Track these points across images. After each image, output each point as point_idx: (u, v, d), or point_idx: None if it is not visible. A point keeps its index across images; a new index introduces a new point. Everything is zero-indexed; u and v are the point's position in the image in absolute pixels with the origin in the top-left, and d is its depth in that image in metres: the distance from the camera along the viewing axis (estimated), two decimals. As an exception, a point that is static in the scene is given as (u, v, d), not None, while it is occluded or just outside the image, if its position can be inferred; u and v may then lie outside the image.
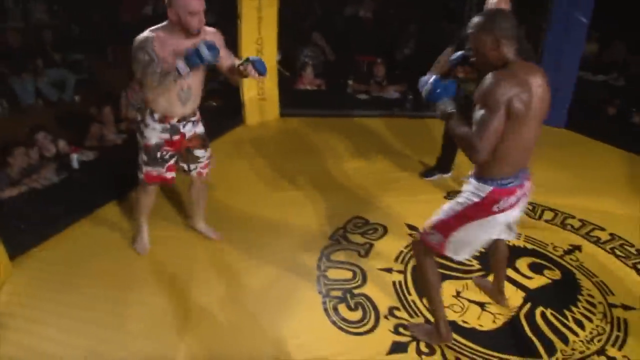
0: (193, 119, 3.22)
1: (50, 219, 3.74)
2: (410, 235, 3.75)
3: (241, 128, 5.57)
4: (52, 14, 6.96)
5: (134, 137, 3.28)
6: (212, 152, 3.45)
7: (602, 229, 3.96)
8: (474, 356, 2.78)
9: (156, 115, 3.10)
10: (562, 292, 3.28)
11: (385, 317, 3.01)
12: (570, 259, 3.60)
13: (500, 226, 2.52)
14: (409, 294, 3.19)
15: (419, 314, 3.03)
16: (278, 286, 3.23)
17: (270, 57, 5.52)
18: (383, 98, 6.52)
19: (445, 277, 3.30)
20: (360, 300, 3.12)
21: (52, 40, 6.40)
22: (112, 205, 4.03)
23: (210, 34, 3.03)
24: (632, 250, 3.74)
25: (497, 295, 3.16)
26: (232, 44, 5.30)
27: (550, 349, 2.84)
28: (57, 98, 5.78)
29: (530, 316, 3.05)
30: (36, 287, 3.14)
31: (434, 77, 2.43)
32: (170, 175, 3.30)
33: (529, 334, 2.94)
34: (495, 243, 2.91)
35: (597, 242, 3.82)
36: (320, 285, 3.25)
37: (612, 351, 2.84)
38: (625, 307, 3.15)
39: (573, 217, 4.11)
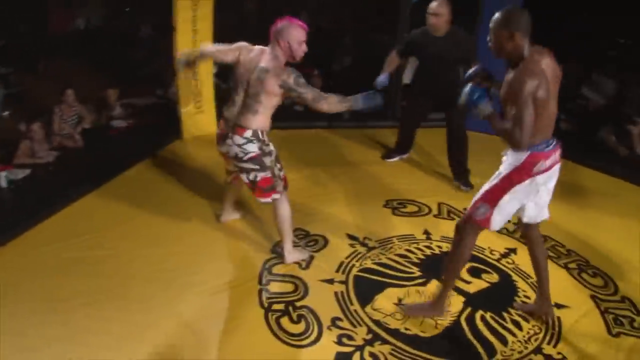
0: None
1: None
2: (351, 245, 3.75)
3: (178, 143, 5.47)
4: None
5: (66, 154, 3.20)
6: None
7: (535, 232, 4.07)
8: (417, 362, 2.79)
9: (261, 133, 3.35)
10: (500, 295, 3.35)
11: (328, 328, 2.98)
12: (507, 262, 3.69)
13: (541, 193, 2.77)
14: (351, 303, 3.18)
15: (362, 324, 3.02)
16: (220, 302, 3.16)
17: (207, 71, 5.46)
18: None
19: (386, 285, 3.33)
20: (303, 313, 3.09)
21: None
22: (41, 227, 3.85)
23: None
24: (563, 250, 3.87)
25: (546, 302, 3.10)
26: (168, 56, 5.25)
27: (491, 351, 2.88)
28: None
29: (470, 320, 3.10)
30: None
31: (470, 85, 2.75)
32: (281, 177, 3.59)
33: (470, 337, 2.97)
34: (531, 242, 3.06)
35: (530, 244, 3.92)
36: (263, 299, 3.20)
37: (547, 349, 2.91)
38: (559, 306, 3.25)
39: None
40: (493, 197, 2.77)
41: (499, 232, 3.96)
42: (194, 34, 5.22)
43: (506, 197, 2.74)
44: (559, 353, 2.89)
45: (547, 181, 2.77)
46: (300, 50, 3.16)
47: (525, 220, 2.92)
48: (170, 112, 5.57)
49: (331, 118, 6.21)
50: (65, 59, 6.73)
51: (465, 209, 4.25)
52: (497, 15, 2.65)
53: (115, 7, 7.89)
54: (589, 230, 4.17)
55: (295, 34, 3.14)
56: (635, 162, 5.51)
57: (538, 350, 2.91)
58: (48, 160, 4.80)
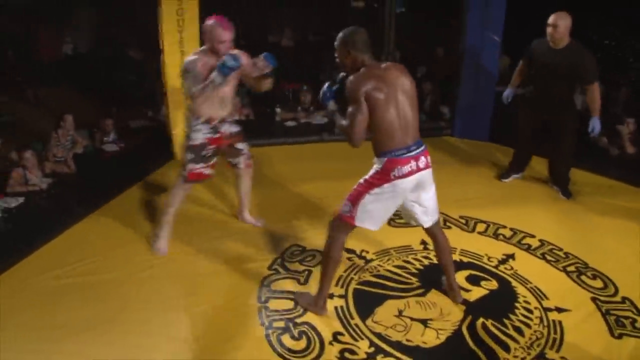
0: (229, 120, 3.82)
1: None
2: (349, 259, 3.73)
3: (171, 164, 5.43)
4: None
5: (60, 180, 3.16)
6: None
7: (532, 236, 4.08)
8: (421, 374, 2.76)
9: (201, 119, 3.69)
10: (500, 301, 3.33)
11: (330, 343, 2.95)
12: (505, 268, 3.68)
13: (403, 196, 2.94)
14: (352, 317, 3.15)
15: (364, 337, 2.99)
16: (219, 322, 3.12)
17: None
18: (311, 124, 6.58)
19: (386, 298, 3.31)
20: (304, 329, 3.06)
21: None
22: (37, 254, 3.81)
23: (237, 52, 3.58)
24: (561, 253, 3.86)
25: (450, 292, 3.32)
26: (158, 77, 5.25)
27: (494, 359, 2.85)
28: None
29: (472, 328, 3.08)
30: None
31: (327, 84, 3.06)
32: (209, 172, 3.84)
33: (472, 346, 2.95)
34: (434, 240, 3.23)
35: (528, 249, 3.93)
36: (263, 317, 3.17)
37: (551, 354, 2.89)
38: (559, 310, 3.23)
39: (504, 227, 4.21)
40: (355, 197, 2.95)
41: (497, 239, 4.02)
42: (182, 55, 5.21)
43: (368, 197, 2.91)
44: (562, 357, 2.87)
45: (417, 188, 2.95)
46: (222, 48, 3.45)
47: (422, 225, 3.12)
48: (161, 134, 5.54)
49: (322, 132, 6.26)
50: (54, 85, 6.73)
51: (461, 216, 4.30)
52: (339, 35, 2.94)
53: (102, 31, 7.90)
54: (586, 232, 4.18)
55: (215, 34, 3.45)
56: (626, 161, 5.53)
57: (541, 355, 2.89)
58: (42, 187, 4.76)
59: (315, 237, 4.00)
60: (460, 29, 6.06)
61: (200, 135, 3.72)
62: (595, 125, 4.49)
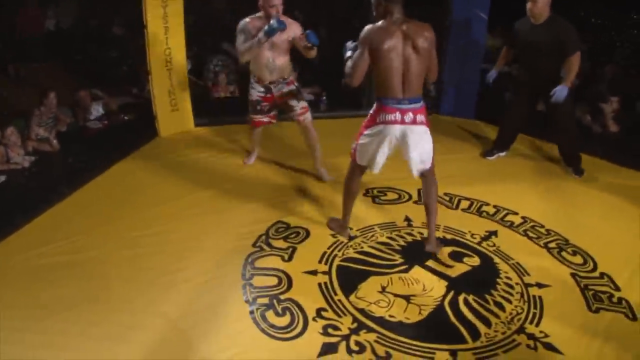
0: (282, 82, 4.32)
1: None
2: (333, 235, 3.76)
3: (155, 141, 5.41)
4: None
5: (43, 158, 3.13)
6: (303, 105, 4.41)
7: (515, 213, 4.13)
8: (403, 349, 2.80)
9: (254, 78, 4.35)
10: (482, 278, 3.38)
11: (314, 319, 2.98)
12: (488, 245, 3.72)
13: (390, 142, 3.24)
14: (335, 294, 3.18)
15: (347, 313, 3.03)
16: (204, 299, 3.14)
17: (180, 67, 5.41)
18: None
19: (369, 274, 3.35)
20: (288, 305, 3.08)
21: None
22: (20, 233, 3.79)
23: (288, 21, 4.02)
24: (542, 230, 3.91)
25: (426, 242, 3.62)
26: (141, 54, 5.19)
27: (475, 334, 2.91)
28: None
29: (454, 304, 3.12)
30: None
31: (350, 41, 3.43)
32: (267, 120, 4.53)
33: (454, 321, 3.00)
34: (422, 184, 3.53)
35: (511, 226, 3.97)
36: (247, 294, 3.19)
37: (530, 328, 2.95)
38: (540, 285, 3.29)
39: (488, 204, 4.25)
40: (358, 136, 3.38)
41: (480, 216, 4.06)
42: (165, 30, 5.16)
43: (362, 137, 3.33)
44: (541, 332, 2.92)
45: (403, 140, 3.22)
46: (273, 11, 3.92)
47: (413, 171, 3.35)
48: (146, 111, 5.50)
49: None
50: (37, 61, 6.62)
51: (445, 193, 4.33)
52: None
53: (85, 7, 7.76)
54: (567, 209, 4.23)
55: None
56: (609, 139, 5.58)
57: (521, 330, 2.94)
58: (24, 166, 4.73)
59: (300, 214, 4.03)
60: (446, 5, 6.02)
61: (255, 93, 4.37)
62: (560, 91, 4.38)
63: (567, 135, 4.77)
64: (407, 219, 4.00)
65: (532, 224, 3.99)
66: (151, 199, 4.25)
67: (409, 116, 3.19)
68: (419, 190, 4.41)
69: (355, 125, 3.55)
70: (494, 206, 4.23)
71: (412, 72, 3.15)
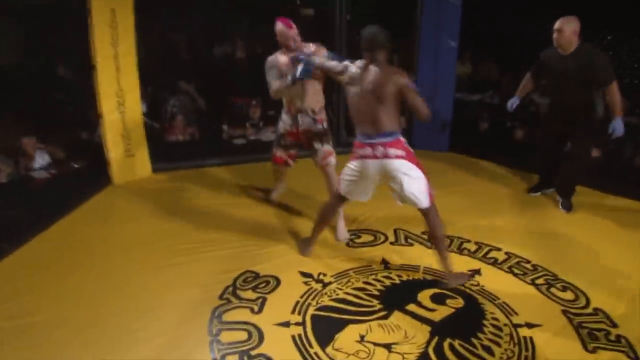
0: (310, 116, 4.37)
1: None
2: (306, 283, 3.72)
3: (109, 190, 5.36)
4: None
5: None
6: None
7: (498, 249, 4.17)
8: (387, 403, 2.75)
9: (284, 108, 4.48)
10: (468, 320, 3.37)
11: (288, 375, 2.93)
12: (471, 284, 3.73)
13: (368, 176, 3.60)
14: (311, 346, 3.13)
15: (324, 367, 2.98)
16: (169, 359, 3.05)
17: (134, 109, 5.39)
18: (261, 141, 6.61)
19: (346, 323, 3.31)
20: (260, 362, 3.02)
21: None
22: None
23: (310, 48, 4.22)
24: (528, 266, 3.94)
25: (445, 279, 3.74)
26: (90, 96, 5.16)
27: (463, 382, 2.88)
28: None
29: (439, 350, 3.08)
30: None
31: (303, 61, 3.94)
32: (286, 158, 4.64)
33: (440, 369, 2.97)
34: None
35: (494, 263, 4.00)
36: (214, 352, 3.11)
37: (523, 373, 2.93)
38: (530, 325, 3.29)
39: (469, 241, 4.29)
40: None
41: (461, 254, 4.07)
42: (117, 71, 5.16)
43: (346, 169, 3.71)
44: (534, 376, 2.91)
45: (382, 173, 3.54)
46: (292, 43, 4.21)
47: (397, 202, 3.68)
48: (97, 158, 5.45)
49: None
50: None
51: (422, 232, 4.35)
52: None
53: (28, 46, 7.70)
54: (552, 241, 4.30)
55: (283, 34, 4.22)
56: (589, 165, 5.67)
57: (512, 374, 2.92)
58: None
59: (270, 261, 3.99)
60: (414, 36, 6.17)
61: (282, 125, 4.54)
62: (616, 126, 4.47)
63: (576, 161, 4.82)
64: (384, 262, 3.99)
65: (517, 259, 4.02)
66: (106, 253, 4.16)
67: (380, 150, 3.46)
68: (395, 231, 4.44)
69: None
70: (475, 242, 4.26)
71: (374, 110, 3.46)
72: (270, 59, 4.31)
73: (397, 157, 3.46)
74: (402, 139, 3.53)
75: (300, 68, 3.96)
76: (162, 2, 6.29)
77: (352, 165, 3.66)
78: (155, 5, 5.99)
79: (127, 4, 5.14)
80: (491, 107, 7.19)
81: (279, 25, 4.22)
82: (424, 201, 3.53)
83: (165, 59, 7.01)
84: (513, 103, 5.08)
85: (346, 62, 3.73)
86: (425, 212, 3.60)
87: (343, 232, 4.39)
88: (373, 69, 3.50)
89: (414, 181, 3.48)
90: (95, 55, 5.01)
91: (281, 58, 4.26)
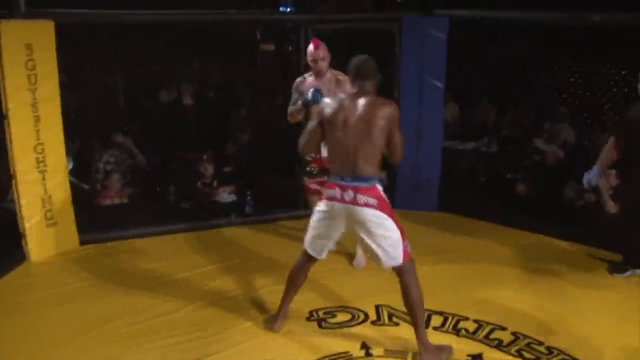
0: None
1: None
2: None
3: (23, 268, 5.14)
4: None
5: None
6: None
7: (503, 328, 4.03)
8: None
9: None
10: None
11: None
12: (473, 374, 3.59)
13: (335, 221, 3.67)
14: None
15: None
16: None
17: (58, 168, 5.25)
18: (215, 203, 6.54)
19: None
20: None
21: None
22: None
23: (336, 79, 4.72)
24: (542, 348, 3.80)
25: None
26: (2, 151, 4.99)
27: None
28: None
29: None
30: None
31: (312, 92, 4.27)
32: (315, 186, 4.86)
33: None
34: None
35: (499, 345, 3.85)
36: None
37: None
38: None
39: (466, 319, 4.17)
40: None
41: (458, 335, 3.92)
42: (36, 121, 5.01)
43: (314, 214, 3.81)
44: None
45: (351, 221, 3.60)
46: (317, 67, 4.70)
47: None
48: (9, 228, 5.25)
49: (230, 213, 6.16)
50: None
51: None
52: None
53: None
54: (568, 317, 4.20)
55: (308, 54, 4.72)
56: (607, 223, 5.58)
57: None
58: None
59: (227, 350, 3.84)
60: (392, 75, 6.14)
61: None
62: None
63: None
64: (365, 346, 3.83)
65: (527, 340, 3.88)
66: (18, 349, 3.91)
67: (349, 194, 3.54)
68: (377, 307, 4.29)
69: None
70: (475, 321, 4.14)
71: (353, 150, 3.54)
72: (298, 80, 4.87)
73: (366, 205, 3.50)
74: (379, 186, 3.58)
75: (310, 92, 4.30)
76: (93, 36, 6.16)
77: (320, 206, 3.75)
78: (85, 41, 5.88)
79: (47, 39, 5.05)
80: (487, 156, 7.17)
81: (309, 45, 4.71)
82: (397, 257, 3.52)
83: (97, 107, 6.90)
84: (591, 179, 4.86)
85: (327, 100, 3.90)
86: (399, 271, 3.58)
87: (361, 259, 4.93)
88: (362, 100, 3.59)
89: (386, 232, 3.52)
90: (7, 102, 4.87)
91: (308, 80, 4.77)
